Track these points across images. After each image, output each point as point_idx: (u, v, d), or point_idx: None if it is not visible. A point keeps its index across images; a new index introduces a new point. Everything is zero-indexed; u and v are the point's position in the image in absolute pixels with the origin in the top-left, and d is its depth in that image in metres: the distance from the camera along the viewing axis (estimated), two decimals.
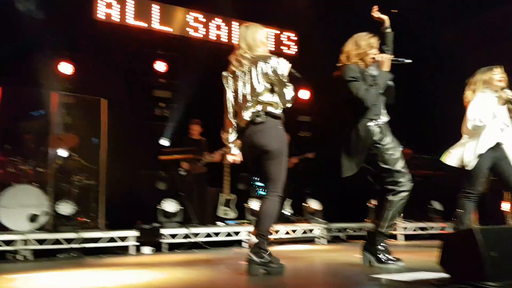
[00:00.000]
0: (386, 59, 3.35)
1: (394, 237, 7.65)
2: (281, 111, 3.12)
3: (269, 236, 3.05)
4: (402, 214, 7.72)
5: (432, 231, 7.39)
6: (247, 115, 3.08)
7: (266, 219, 2.97)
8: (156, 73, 7.86)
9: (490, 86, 3.92)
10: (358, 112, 3.31)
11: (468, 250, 1.96)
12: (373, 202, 7.63)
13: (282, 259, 2.93)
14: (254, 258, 2.92)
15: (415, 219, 7.66)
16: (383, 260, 3.19)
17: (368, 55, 3.37)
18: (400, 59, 3.44)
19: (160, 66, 7.82)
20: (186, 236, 5.89)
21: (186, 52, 7.93)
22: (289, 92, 3.05)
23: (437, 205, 7.60)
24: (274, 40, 8.93)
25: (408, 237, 7.32)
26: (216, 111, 8.83)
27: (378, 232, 3.26)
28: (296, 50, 9.11)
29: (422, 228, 7.46)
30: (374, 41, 3.41)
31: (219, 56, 8.39)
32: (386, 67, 3.36)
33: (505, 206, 7.47)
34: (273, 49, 8.90)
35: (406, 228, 7.59)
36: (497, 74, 3.92)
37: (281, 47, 9.09)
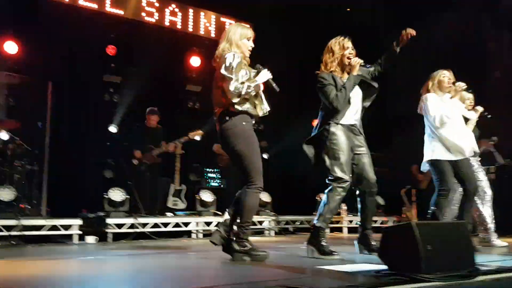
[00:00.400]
0: (357, 63, 3.47)
1: (340, 230, 7.89)
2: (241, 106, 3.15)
3: (250, 227, 3.18)
4: (346, 208, 7.98)
5: (375, 225, 7.67)
6: None
7: (245, 211, 3.10)
8: (106, 57, 7.60)
9: (441, 88, 4.13)
10: (327, 114, 3.49)
11: (406, 243, 2.05)
12: (322, 196, 7.89)
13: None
14: (236, 247, 3.10)
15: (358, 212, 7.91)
16: (326, 252, 3.30)
17: (344, 56, 3.50)
18: (368, 65, 3.58)
19: (111, 50, 7.56)
20: (133, 226, 5.78)
21: (138, 37, 7.73)
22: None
23: (379, 199, 7.89)
24: None
25: (351, 230, 7.56)
26: (169, 99, 8.75)
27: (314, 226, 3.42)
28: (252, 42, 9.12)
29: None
30: (346, 41, 3.53)
31: (173, 43, 8.33)
32: (356, 70, 3.48)
33: None
34: None
35: (351, 221, 7.84)
36: (446, 77, 4.13)
37: None
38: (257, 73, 3.26)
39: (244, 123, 3.15)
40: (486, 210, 4.57)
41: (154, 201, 6.71)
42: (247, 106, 3.16)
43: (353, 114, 3.55)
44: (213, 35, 8.74)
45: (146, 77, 7.27)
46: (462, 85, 4.17)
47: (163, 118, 7.04)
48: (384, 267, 2.23)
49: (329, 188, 3.41)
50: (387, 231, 2.24)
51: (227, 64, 3.12)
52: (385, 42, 3.74)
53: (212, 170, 8.12)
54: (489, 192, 4.62)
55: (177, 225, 6.19)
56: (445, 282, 1.90)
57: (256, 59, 3.40)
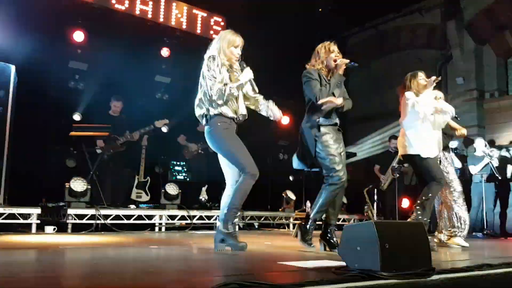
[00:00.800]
0: (343, 63, 3.65)
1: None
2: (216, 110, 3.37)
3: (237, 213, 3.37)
4: (310, 205, 8.08)
5: (337, 223, 7.80)
6: None
7: (236, 194, 3.29)
8: (73, 43, 7.38)
9: (419, 90, 4.29)
10: (312, 110, 3.66)
11: (365, 241, 2.10)
12: (288, 192, 7.97)
13: (193, 245, 2.91)
14: (221, 227, 3.30)
15: None
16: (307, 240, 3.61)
17: (330, 59, 3.67)
18: (352, 63, 3.71)
19: (78, 36, 7.33)
20: (94, 218, 5.66)
21: (107, 24, 7.54)
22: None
23: (343, 198, 8.03)
24: (201, 24, 8.80)
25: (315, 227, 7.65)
26: (136, 88, 8.57)
27: (308, 217, 3.68)
28: None
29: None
30: (332, 45, 3.71)
31: (143, 32, 8.17)
32: (342, 70, 3.67)
33: (405, 202, 8.12)
34: (199, 32, 8.77)
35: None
36: (421, 78, 4.32)
37: (210, 32, 8.97)
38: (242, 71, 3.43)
39: (218, 124, 3.34)
40: (458, 209, 4.68)
41: (117, 193, 6.58)
42: (221, 109, 3.33)
43: (335, 114, 3.71)
44: (184, 26, 8.63)
45: (113, 66, 7.11)
46: (432, 78, 4.31)
47: (129, 108, 6.90)
48: (344, 264, 2.27)
49: (327, 183, 3.57)
50: (347, 229, 2.28)
51: (207, 71, 3.31)
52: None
53: (179, 163, 8.04)
54: (458, 188, 4.72)
55: (140, 217, 6.10)
56: (401, 280, 1.95)
57: None
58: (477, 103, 10.23)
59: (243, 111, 3.49)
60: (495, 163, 7.46)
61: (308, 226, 3.66)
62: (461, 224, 4.65)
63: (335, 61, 3.67)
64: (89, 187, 5.86)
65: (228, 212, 3.32)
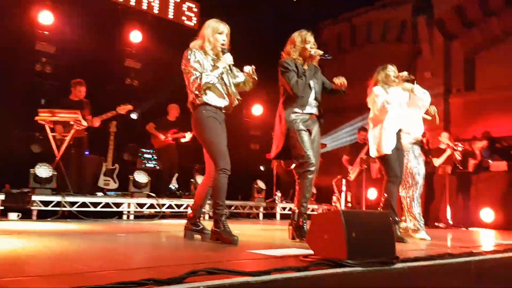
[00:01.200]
0: (317, 54, 3.71)
1: (273, 216, 8.06)
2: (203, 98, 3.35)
3: (223, 210, 3.34)
4: (280, 195, 8.17)
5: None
6: None
7: (214, 193, 3.34)
8: (40, 25, 7.13)
9: (387, 82, 4.39)
10: (287, 100, 3.69)
11: (333, 230, 2.13)
12: (259, 182, 8.01)
13: (162, 233, 2.88)
14: (213, 227, 3.30)
15: (291, 199, 8.13)
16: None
17: (305, 50, 3.71)
18: (325, 55, 3.78)
19: (45, 17, 7.08)
20: (60, 205, 5.54)
21: (76, 6, 7.33)
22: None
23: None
24: (173, 9, 8.66)
25: (284, 217, 7.76)
26: (105, 73, 8.39)
27: (294, 214, 3.66)
28: (196, 22, 8.94)
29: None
30: (308, 35, 3.73)
31: (114, 16, 7.98)
32: (316, 61, 3.76)
33: (372, 193, 8.31)
34: (172, 17, 8.63)
35: (284, 208, 8.03)
36: (391, 71, 4.41)
37: (182, 18, 8.85)
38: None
39: (203, 111, 3.34)
40: (417, 199, 4.81)
41: (83, 179, 6.44)
42: (207, 98, 3.33)
43: (312, 103, 3.76)
44: (156, 11, 8.48)
45: (81, 49, 6.92)
46: (404, 73, 4.39)
47: (95, 93, 6.73)
48: (311, 252, 2.31)
49: (301, 172, 3.59)
50: (315, 218, 2.31)
51: (186, 61, 3.37)
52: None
53: (148, 151, 7.94)
54: (420, 181, 4.83)
55: (107, 205, 6.00)
56: (366, 268, 2.00)
57: None
58: (444, 97, 10.52)
59: (234, 99, 3.46)
60: (458, 156, 7.70)
61: (301, 222, 3.62)
62: (420, 218, 4.78)
63: (310, 51, 3.71)
64: (55, 173, 5.72)
65: (214, 212, 3.34)
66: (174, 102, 7.70)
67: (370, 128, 4.54)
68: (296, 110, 3.68)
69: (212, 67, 3.36)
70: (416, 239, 4.55)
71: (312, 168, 3.57)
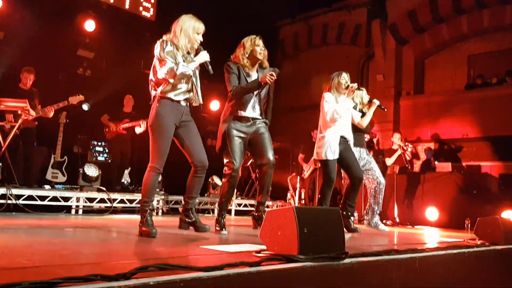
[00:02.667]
0: (264, 58, 3.92)
1: (229, 212, 8.06)
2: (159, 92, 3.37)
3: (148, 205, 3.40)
4: (237, 191, 8.19)
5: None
6: None
7: (142, 189, 3.40)
8: None
9: (338, 90, 4.64)
10: (231, 101, 3.91)
11: (285, 226, 2.16)
12: (214, 178, 7.98)
13: (112, 228, 2.79)
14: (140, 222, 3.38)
15: (247, 196, 8.19)
16: None
17: (255, 52, 3.89)
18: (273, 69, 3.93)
19: None
20: (5, 197, 5.27)
21: None
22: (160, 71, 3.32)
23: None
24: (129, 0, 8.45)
25: (238, 213, 7.78)
26: (56, 62, 8.07)
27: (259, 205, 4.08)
28: (153, 13, 8.77)
29: (252, 205, 8.00)
30: (257, 40, 3.92)
31: (66, 2, 7.68)
32: (266, 65, 3.99)
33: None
34: (128, 7, 8.42)
35: (240, 205, 8.05)
36: (344, 79, 4.64)
37: (139, 8, 8.65)
38: (197, 54, 3.47)
39: (158, 105, 3.34)
40: (377, 196, 5.11)
41: (30, 171, 6.17)
42: (167, 91, 3.34)
43: (254, 107, 3.95)
44: (111, 0, 8.24)
45: (31, 36, 6.61)
46: (354, 85, 4.57)
47: (44, 82, 6.46)
48: (264, 247, 2.33)
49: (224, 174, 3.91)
50: (269, 214, 2.33)
51: (157, 52, 3.33)
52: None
53: (100, 143, 7.71)
54: (382, 180, 5.18)
55: (55, 199, 5.78)
56: (316, 263, 2.04)
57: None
58: (394, 100, 10.90)
59: (198, 96, 3.51)
60: (408, 156, 8.01)
61: (261, 213, 3.94)
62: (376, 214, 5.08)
63: (260, 53, 3.91)
64: (0, 164, 5.44)
65: (140, 207, 3.47)
66: (127, 93, 7.53)
67: (318, 131, 4.73)
68: (239, 112, 3.90)
69: (182, 61, 3.36)
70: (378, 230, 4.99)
71: (234, 174, 3.86)
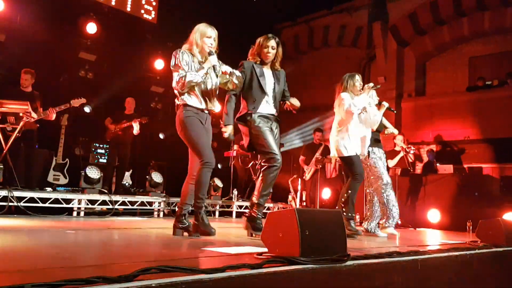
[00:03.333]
0: (277, 59, 3.96)
1: (230, 214, 8.06)
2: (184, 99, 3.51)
3: (203, 203, 3.54)
4: (237, 193, 8.18)
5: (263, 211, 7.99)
6: None
7: (197, 187, 3.50)
8: None
9: (353, 91, 4.68)
10: (246, 101, 3.90)
11: (287, 227, 2.16)
12: (216, 180, 7.98)
13: (114, 230, 2.80)
14: (195, 220, 3.54)
15: (248, 198, 8.16)
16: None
17: (262, 54, 3.90)
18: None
19: None
20: (6, 199, 5.28)
21: None
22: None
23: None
24: (132, 2, 8.47)
25: (240, 215, 7.77)
26: (58, 65, 8.08)
27: (256, 203, 3.77)
28: (155, 15, 8.79)
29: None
30: (267, 40, 3.90)
31: (69, 6, 7.70)
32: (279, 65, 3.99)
33: (326, 192, 8.47)
34: (130, 10, 8.44)
35: (241, 206, 8.04)
36: (358, 81, 4.70)
37: (141, 11, 8.68)
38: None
39: (184, 112, 3.50)
40: (387, 200, 5.05)
41: (32, 173, 6.17)
42: (187, 99, 3.50)
43: (268, 105, 3.92)
44: (113, 3, 8.27)
45: (33, 38, 6.63)
46: (370, 84, 4.60)
47: (48, 84, 6.47)
48: (266, 249, 2.33)
49: (264, 167, 3.72)
50: (271, 216, 2.33)
51: (172, 62, 3.49)
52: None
53: (101, 146, 7.71)
54: (388, 181, 5.07)
55: (57, 201, 5.79)
56: (318, 265, 2.04)
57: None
58: (396, 102, 10.89)
59: (214, 104, 3.64)
60: (410, 158, 8.01)
61: (257, 214, 3.74)
62: (391, 215, 5.01)
63: (267, 53, 3.88)
64: (1, 166, 5.45)
65: (194, 205, 3.55)
66: (129, 95, 7.54)
67: (334, 130, 4.77)
68: (250, 109, 3.85)
69: (193, 70, 3.49)
70: (381, 235, 4.94)
71: (278, 165, 3.71)
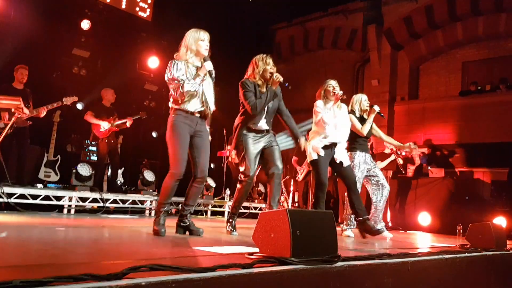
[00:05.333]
0: (278, 79, 4.03)
1: (222, 214, 8.05)
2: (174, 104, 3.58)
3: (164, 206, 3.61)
4: (229, 193, 8.18)
5: (254, 211, 8.01)
6: None
7: (160, 192, 3.60)
8: None
9: (327, 96, 4.78)
10: (244, 118, 4.11)
11: (278, 228, 2.16)
12: (208, 180, 7.96)
13: (104, 228, 2.77)
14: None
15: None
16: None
17: (266, 71, 4.06)
18: (285, 84, 4.11)
19: None
20: None
21: None
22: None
23: (261, 187, 8.26)
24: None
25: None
26: (50, 61, 8.04)
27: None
28: (150, 13, 8.76)
29: (246, 207, 8.01)
30: (268, 58, 4.12)
31: (62, 2, 7.66)
32: (276, 85, 4.07)
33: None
34: (125, 7, 8.41)
35: None
36: (331, 87, 4.76)
37: (136, 8, 8.64)
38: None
39: (173, 116, 3.54)
40: (380, 203, 5.18)
41: (23, 170, 6.12)
42: (182, 103, 3.52)
43: (265, 121, 4.15)
44: (108, 0, 8.23)
45: (25, 34, 6.57)
46: (340, 93, 4.70)
47: (41, 80, 6.42)
48: (257, 250, 2.32)
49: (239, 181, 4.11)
50: (262, 216, 2.33)
51: (168, 75, 3.51)
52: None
53: (93, 143, 7.65)
54: (387, 186, 5.26)
55: (47, 198, 5.75)
56: (309, 265, 2.04)
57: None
58: (389, 105, 10.94)
59: (210, 104, 3.66)
60: (401, 161, 8.04)
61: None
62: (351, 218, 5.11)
63: (271, 74, 4.05)
64: None
65: (156, 207, 3.73)
66: (122, 92, 7.49)
67: (310, 136, 4.92)
68: (250, 125, 4.09)
69: (189, 78, 3.52)
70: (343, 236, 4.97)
71: (250, 181, 4.05)
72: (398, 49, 11.23)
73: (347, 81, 11.43)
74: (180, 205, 3.82)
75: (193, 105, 3.56)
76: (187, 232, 3.69)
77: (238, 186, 4.14)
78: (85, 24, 7.89)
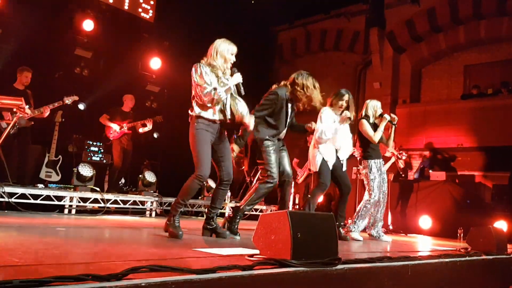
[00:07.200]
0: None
1: (222, 215, 8.03)
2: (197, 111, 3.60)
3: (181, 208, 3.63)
4: (230, 194, 8.17)
5: (254, 213, 7.99)
6: None
7: (181, 191, 3.59)
8: None
9: (335, 108, 4.87)
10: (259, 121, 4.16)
11: (279, 230, 2.16)
12: (209, 181, 7.97)
13: (105, 228, 2.79)
14: (167, 220, 3.62)
15: (241, 199, 8.15)
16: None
17: (312, 99, 4.31)
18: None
19: None
20: None
21: None
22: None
23: None
24: (129, 0, 8.45)
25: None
26: (53, 61, 8.05)
27: (239, 208, 4.12)
28: (152, 14, 8.77)
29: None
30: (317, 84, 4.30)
31: (65, 2, 7.67)
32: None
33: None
34: (127, 8, 8.42)
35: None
36: (343, 101, 4.83)
37: (138, 10, 8.66)
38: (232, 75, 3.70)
39: (195, 124, 3.58)
40: (380, 208, 5.24)
41: (24, 170, 6.12)
42: (202, 111, 3.57)
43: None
44: (111, 1, 8.25)
45: (29, 34, 6.58)
46: (347, 114, 4.75)
47: (43, 80, 6.43)
48: (257, 251, 2.32)
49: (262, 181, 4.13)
50: (263, 218, 2.33)
51: (196, 76, 3.55)
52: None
53: (95, 143, 7.66)
54: (385, 191, 5.33)
55: (48, 198, 5.75)
56: (309, 268, 2.04)
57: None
58: (391, 107, 10.93)
59: (229, 113, 3.70)
60: (402, 164, 8.03)
61: (236, 217, 4.07)
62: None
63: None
64: None
65: (172, 206, 3.64)
66: (124, 93, 7.50)
67: (313, 141, 4.96)
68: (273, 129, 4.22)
69: (216, 83, 3.58)
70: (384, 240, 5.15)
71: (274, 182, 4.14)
72: (400, 52, 11.23)
73: (349, 83, 11.42)
74: (207, 208, 3.84)
75: (215, 114, 3.62)
76: (213, 235, 3.73)
77: (264, 190, 4.14)
78: (88, 25, 7.90)
